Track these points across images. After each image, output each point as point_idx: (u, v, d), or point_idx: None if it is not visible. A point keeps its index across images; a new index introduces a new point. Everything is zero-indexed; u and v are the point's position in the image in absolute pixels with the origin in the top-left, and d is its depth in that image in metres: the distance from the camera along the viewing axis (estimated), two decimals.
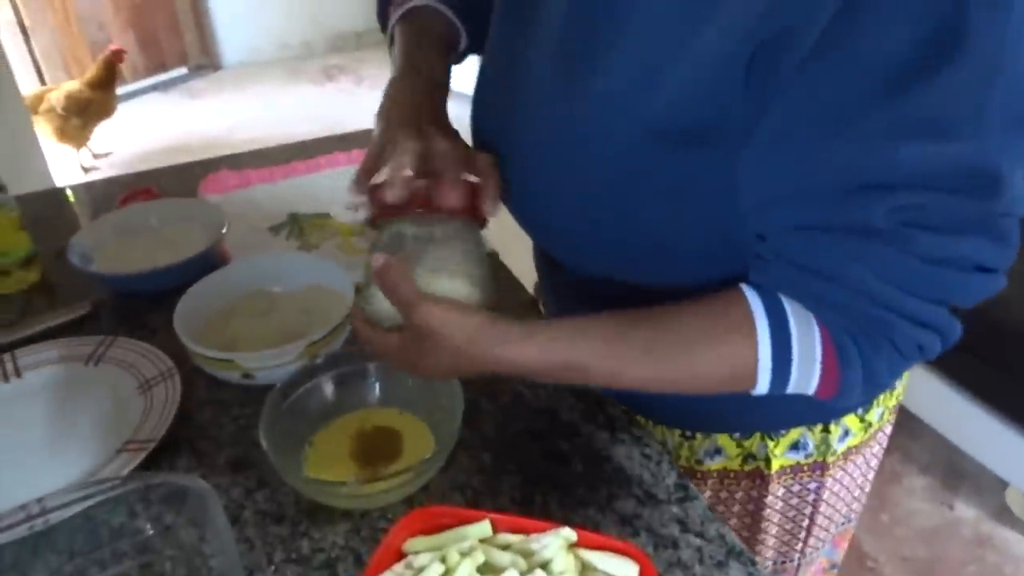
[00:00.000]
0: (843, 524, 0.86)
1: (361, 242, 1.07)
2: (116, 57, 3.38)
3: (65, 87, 3.33)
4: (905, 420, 1.92)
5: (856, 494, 0.84)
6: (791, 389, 0.54)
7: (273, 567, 0.63)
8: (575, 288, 0.75)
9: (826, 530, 0.84)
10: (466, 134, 0.70)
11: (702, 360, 0.54)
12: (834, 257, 0.48)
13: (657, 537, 0.65)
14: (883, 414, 0.79)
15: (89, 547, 0.59)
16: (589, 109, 0.56)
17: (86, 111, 3.35)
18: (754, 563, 0.63)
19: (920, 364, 1.80)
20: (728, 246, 0.57)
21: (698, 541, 0.65)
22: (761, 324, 0.52)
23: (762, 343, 0.52)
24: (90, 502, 0.57)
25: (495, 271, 1.00)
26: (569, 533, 0.53)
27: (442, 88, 0.70)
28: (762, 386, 0.54)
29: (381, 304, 0.59)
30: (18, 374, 0.83)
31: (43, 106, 3.27)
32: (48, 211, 1.23)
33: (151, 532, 0.60)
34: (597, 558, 0.52)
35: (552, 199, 0.62)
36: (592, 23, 0.56)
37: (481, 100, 0.71)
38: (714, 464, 0.77)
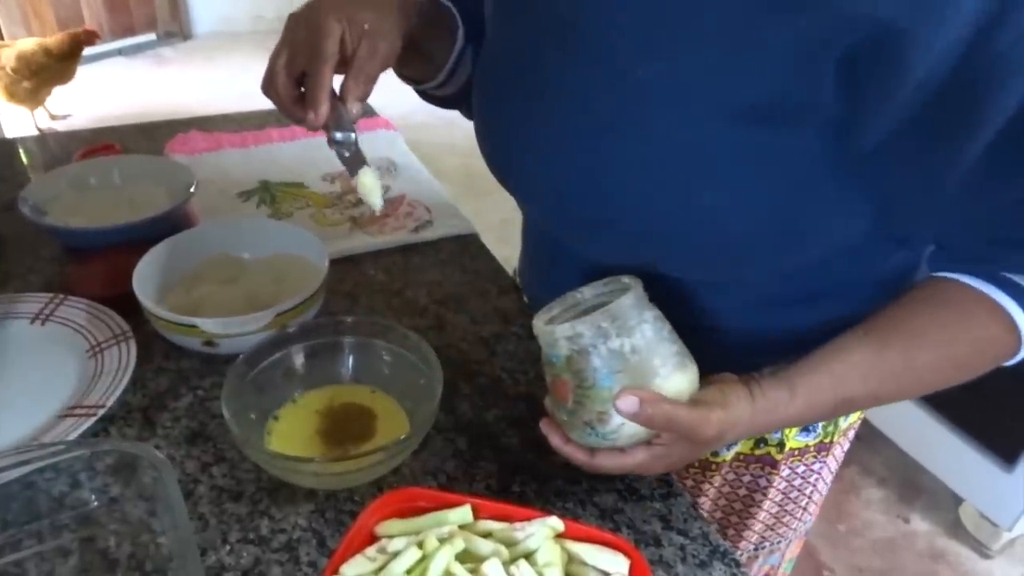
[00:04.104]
0: (825, 493, 0.88)
1: (335, 214, 1.03)
2: (86, 38, 3.20)
3: (19, 46, 3.15)
4: (865, 433, 1.93)
5: (839, 462, 0.85)
6: None
7: (228, 547, 0.58)
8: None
9: (817, 504, 0.86)
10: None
11: (964, 356, 0.55)
12: None
13: (638, 533, 0.62)
14: None
15: (25, 517, 0.54)
16: (649, 94, 0.52)
17: (38, 75, 3.18)
18: (738, 564, 0.60)
19: None
20: (789, 237, 0.55)
21: (681, 539, 0.62)
22: (1004, 300, 0.53)
23: (1017, 316, 0.53)
24: (28, 468, 0.52)
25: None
26: (556, 523, 0.49)
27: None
28: (1021, 355, 0.56)
29: (626, 431, 0.53)
30: None
31: None
32: None
33: (95, 504, 0.55)
34: (585, 551, 0.49)
35: (593, 189, 0.58)
36: (624, 7, 0.52)
37: (486, 112, 0.68)
38: (728, 455, 0.76)
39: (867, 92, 0.46)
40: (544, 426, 0.58)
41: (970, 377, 0.57)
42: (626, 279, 0.58)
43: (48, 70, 3.17)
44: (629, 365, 0.52)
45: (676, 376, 0.53)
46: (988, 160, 0.47)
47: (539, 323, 0.57)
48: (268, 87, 0.64)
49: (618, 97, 0.53)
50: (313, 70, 0.61)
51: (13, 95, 3.17)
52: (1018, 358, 0.56)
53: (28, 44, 3.16)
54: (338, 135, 0.65)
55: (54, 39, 3.18)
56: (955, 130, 0.46)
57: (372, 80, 0.64)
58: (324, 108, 0.61)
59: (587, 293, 0.61)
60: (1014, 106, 0.44)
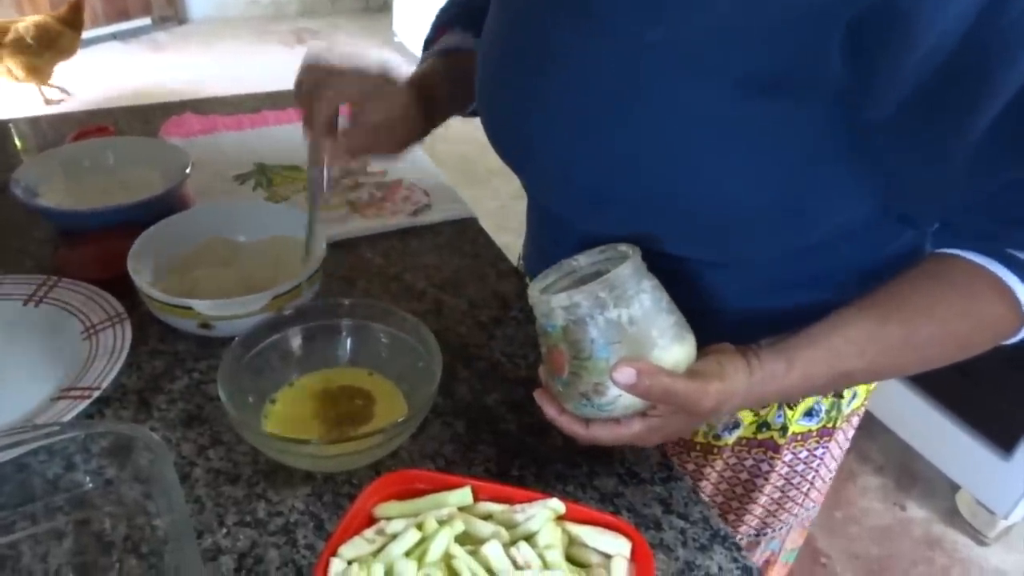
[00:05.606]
0: (828, 481, 0.87)
1: (332, 197, 1.02)
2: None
3: (31, 19, 3.19)
4: (863, 420, 1.93)
5: (844, 450, 0.85)
6: None
7: (225, 530, 0.58)
8: None
9: (819, 491, 0.85)
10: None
11: (965, 333, 0.55)
12: None
13: (639, 517, 0.62)
14: None
15: (19, 499, 0.53)
16: (655, 62, 0.51)
17: (56, 44, 3.21)
18: (739, 548, 0.60)
19: None
20: (795, 214, 0.54)
21: (681, 523, 0.62)
22: (1008, 277, 0.52)
23: (1016, 288, 0.52)
24: (22, 449, 0.51)
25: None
26: (557, 504, 0.49)
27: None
28: (1022, 334, 0.55)
29: (622, 402, 0.52)
30: None
31: (9, 37, 3.11)
32: None
33: (90, 486, 0.55)
34: (586, 533, 0.48)
35: (599, 161, 0.57)
36: None
37: (489, 86, 0.67)
38: (730, 438, 0.75)
39: (874, 62, 0.45)
40: (539, 396, 0.58)
41: (970, 355, 0.56)
42: (624, 247, 0.57)
43: (62, 39, 3.24)
44: (627, 336, 0.51)
45: (674, 347, 0.52)
46: (995, 135, 0.46)
47: (534, 292, 0.56)
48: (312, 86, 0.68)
49: (624, 66, 0.52)
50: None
51: (33, 70, 3.20)
52: (1019, 337, 0.56)
53: (36, 18, 3.20)
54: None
55: (59, 11, 3.24)
56: (963, 102, 0.45)
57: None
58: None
59: (583, 261, 0.59)
60: (1022, 78, 0.43)
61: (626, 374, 0.50)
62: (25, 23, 3.14)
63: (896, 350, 0.55)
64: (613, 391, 0.52)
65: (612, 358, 0.51)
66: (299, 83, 0.69)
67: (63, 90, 3.58)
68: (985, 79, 0.44)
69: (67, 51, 3.33)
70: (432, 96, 0.74)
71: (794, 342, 0.55)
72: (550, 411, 0.57)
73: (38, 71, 3.25)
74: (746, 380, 0.54)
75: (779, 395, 0.56)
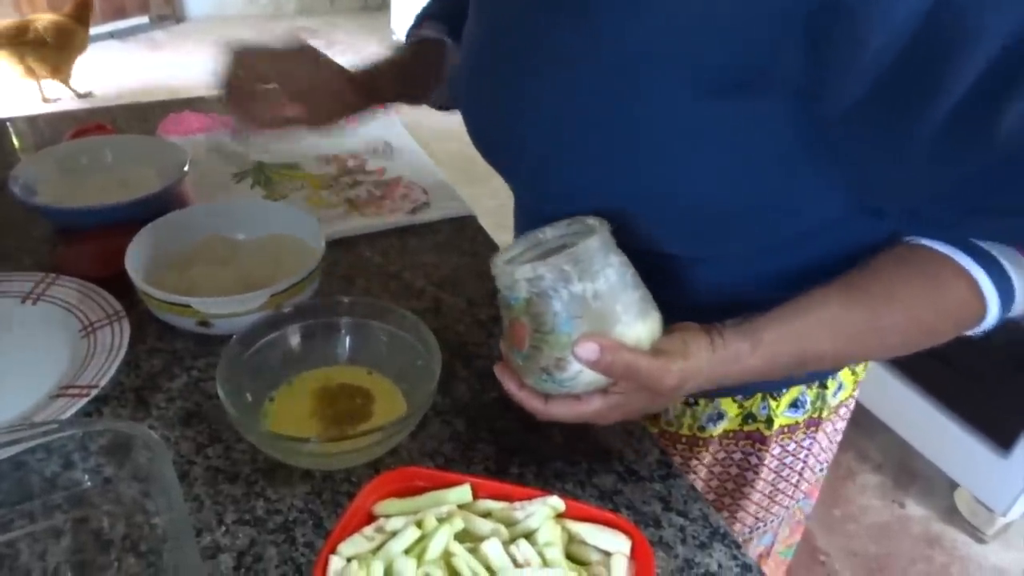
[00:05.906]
0: (821, 473, 0.87)
1: (331, 196, 1.01)
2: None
3: (48, 17, 3.19)
4: (861, 418, 1.94)
5: (835, 443, 0.85)
6: (1017, 310, 0.55)
7: (224, 528, 0.58)
8: None
9: (809, 483, 0.85)
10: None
11: (929, 320, 0.55)
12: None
13: (638, 515, 0.62)
14: (866, 364, 0.80)
15: (17, 498, 0.53)
16: (629, 60, 0.52)
17: (70, 43, 3.22)
18: (738, 545, 0.60)
19: (879, 364, 1.82)
20: (768, 209, 0.55)
21: (681, 520, 0.61)
22: (972, 266, 0.53)
23: (979, 277, 0.53)
24: (20, 447, 0.51)
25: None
26: (557, 502, 0.49)
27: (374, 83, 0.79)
28: (991, 317, 0.55)
29: (583, 378, 0.51)
30: None
31: (29, 35, 3.11)
32: None
33: (88, 484, 0.54)
34: (586, 531, 0.48)
35: (577, 157, 0.58)
36: None
37: (474, 86, 0.67)
38: (716, 430, 0.75)
39: (830, 57, 0.45)
40: (498, 371, 0.57)
41: (935, 342, 0.57)
42: (591, 220, 0.55)
43: (76, 36, 3.24)
44: (590, 311, 0.50)
45: (638, 324, 0.51)
46: (954, 127, 0.46)
47: (498, 263, 0.54)
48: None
49: (601, 65, 0.53)
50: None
51: (56, 68, 3.22)
52: (983, 327, 0.56)
53: (50, 17, 3.20)
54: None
55: (65, 9, 3.25)
56: (921, 93, 0.45)
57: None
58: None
59: (550, 233, 0.58)
60: (977, 70, 0.43)
61: (588, 349, 0.49)
62: (43, 22, 3.14)
63: (861, 334, 0.55)
64: (575, 366, 0.51)
65: (574, 333, 0.50)
66: (223, 72, 0.72)
67: (78, 94, 3.57)
68: (941, 68, 0.44)
69: (81, 48, 3.34)
70: (378, 71, 0.79)
71: (759, 323, 0.55)
72: (509, 385, 0.56)
73: (59, 69, 3.26)
74: (709, 359, 0.53)
75: (742, 375, 0.55)
